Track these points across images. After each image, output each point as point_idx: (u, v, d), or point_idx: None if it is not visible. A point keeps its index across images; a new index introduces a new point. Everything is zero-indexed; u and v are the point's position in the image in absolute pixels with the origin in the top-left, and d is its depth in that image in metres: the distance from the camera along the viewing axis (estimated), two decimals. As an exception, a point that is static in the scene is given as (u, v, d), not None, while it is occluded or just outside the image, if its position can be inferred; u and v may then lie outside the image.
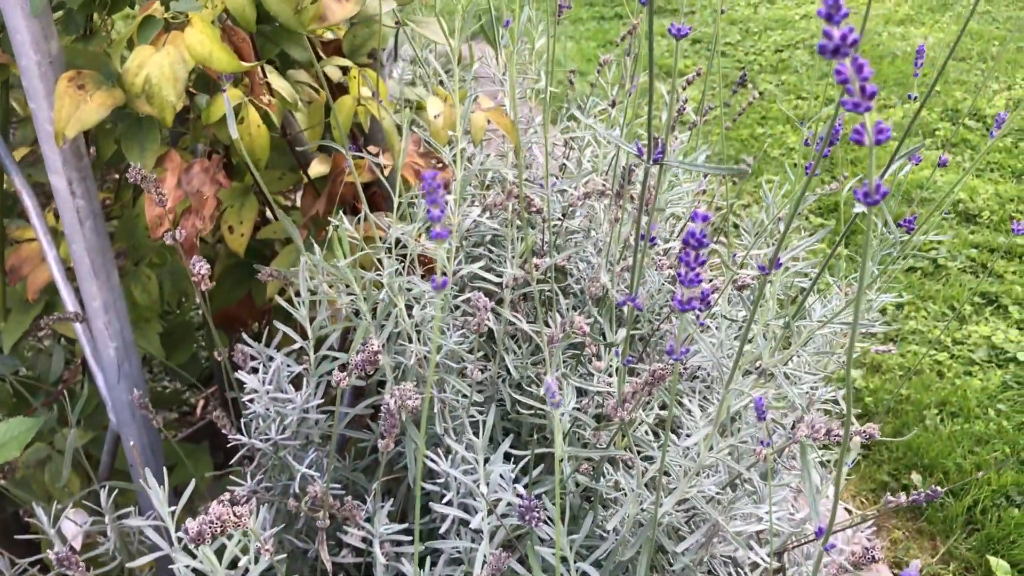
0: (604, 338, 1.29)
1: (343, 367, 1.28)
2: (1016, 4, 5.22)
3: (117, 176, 1.61)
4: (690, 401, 1.02)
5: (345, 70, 1.35)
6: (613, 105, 1.95)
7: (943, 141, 3.71)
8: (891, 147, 3.62)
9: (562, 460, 1.14)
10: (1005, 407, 2.30)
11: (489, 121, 1.31)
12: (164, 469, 1.08)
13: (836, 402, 1.43)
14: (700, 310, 0.73)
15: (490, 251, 1.70)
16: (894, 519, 2.05)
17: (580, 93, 4.00)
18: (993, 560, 1.86)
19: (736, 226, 2.88)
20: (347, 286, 1.25)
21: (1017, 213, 3.14)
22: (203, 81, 1.27)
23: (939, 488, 1.00)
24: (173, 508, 1.00)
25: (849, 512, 2.03)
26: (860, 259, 1.37)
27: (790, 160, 3.70)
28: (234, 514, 0.75)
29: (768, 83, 4.47)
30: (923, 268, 2.92)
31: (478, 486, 1.07)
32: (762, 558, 1.15)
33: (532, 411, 1.33)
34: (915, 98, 1.30)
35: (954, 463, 2.12)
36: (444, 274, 1.28)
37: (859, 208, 1.00)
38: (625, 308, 1.32)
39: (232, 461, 1.21)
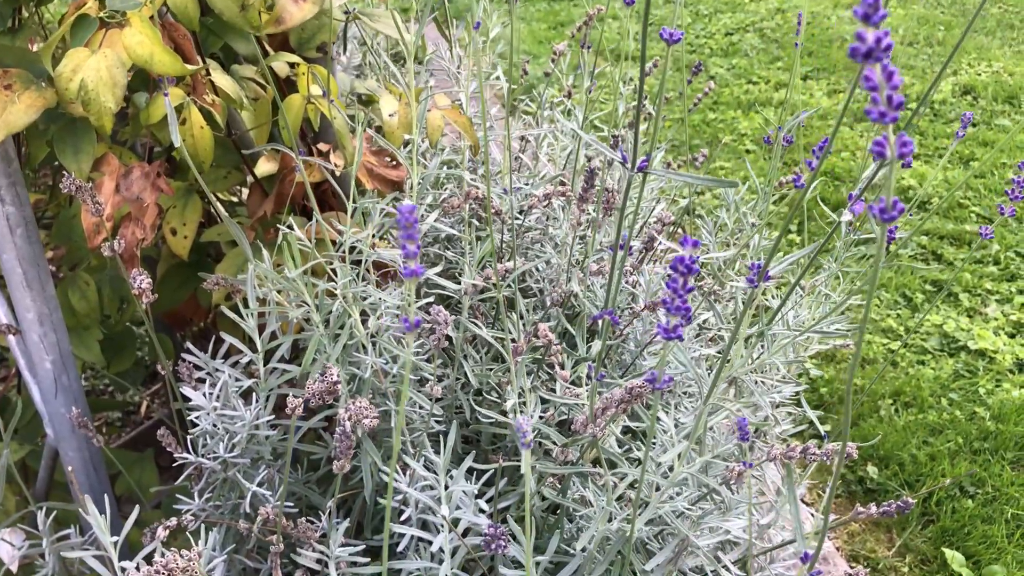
0: (567, 345, 1.25)
1: (293, 382, 1.22)
2: (960, -11, 5.27)
3: (51, 174, 1.53)
4: (665, 412, 0.99)
5: (293, 65, 1.29)
6: (569, 96, 1.90)
7: (894, 128, 3.73)
8: (841, 132, 3.63)
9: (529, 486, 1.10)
10: (957, 396, 2.31)
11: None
12: (106, 494, 1.02)
13: (799, 404, 1.41)
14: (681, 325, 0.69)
15: (447, 248, 1.65)
16: (850, 510, 2.05)
17: (532, 78, 3.94)
18: (949, 552, 1.87)
19: (689, 212, 2.85)
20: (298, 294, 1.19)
21: (965, 200, 3.16)
22: (141, 78, 1.20)
23: (911, 499, 0.98)
24: (116, 539, 0.95)
25: (808, 505, 2.03)
26: (841, 270, 1.34)
27: (741, 146, 3.69)
28: (182, 557, 0.69)
29: (719, 67, 4.46)
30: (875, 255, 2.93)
31: (439, 505, 1.03)
32: (728, 566, 1.12)
33: (492, 420, 1.29)
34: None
35: (908, 454, 2.12)
36: (412, 269, 1.23)
37: (846, 216, 0.97)
38: (592, 320, 1.28)
39: (179, 480, 1.15)
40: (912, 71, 4.20)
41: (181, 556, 0.70)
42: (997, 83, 4.02)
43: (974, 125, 3.74)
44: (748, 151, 3.64)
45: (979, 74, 4.14)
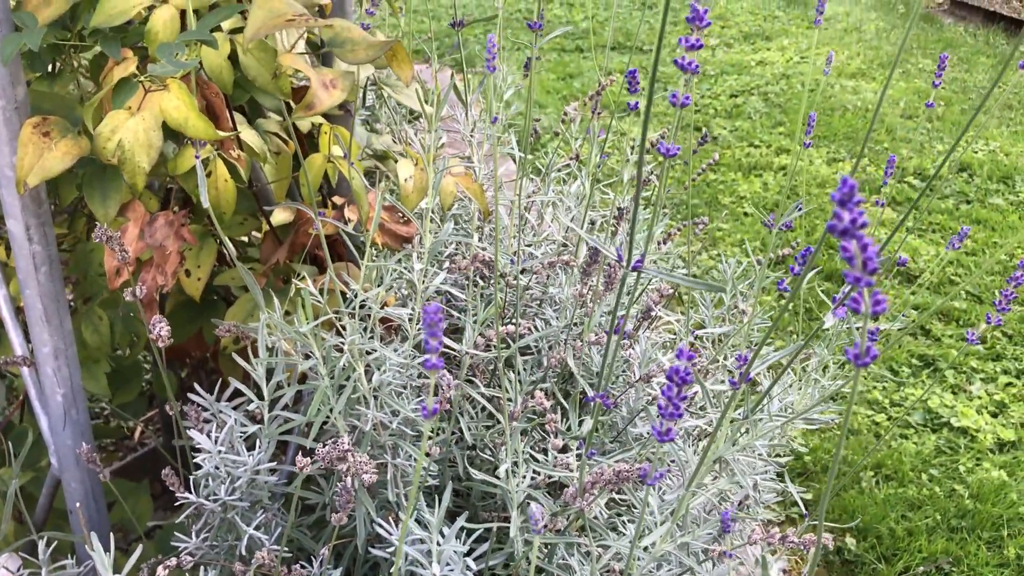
0: (563, 415, 1.30)
1: (292, 430, 1.26)
2: (959, 67, 5.38)
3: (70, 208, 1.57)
4: (648, 494, 1.03)
5: (316, 122, 1.34)
6: (577, 158, 1.96)
7: (888, 198, 3.80)
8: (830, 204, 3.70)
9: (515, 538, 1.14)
10: (938, 472, 2.35)
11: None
12: (105, 527, 1.06)
13: (780, 476, 1.45)
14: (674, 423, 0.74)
15: (448, 304, 1.70)
16: (827, 580, 2.09)
17: (542, 130, 4.00)
18: (921, 629, 1.90)
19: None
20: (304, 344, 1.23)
21: (956, 276, 3.23)
22: (170, 128, 1.25)
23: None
24: (118, 576, 0.98)
25: (785, 574, 2.06)
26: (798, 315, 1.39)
27: (740, 208, 3.76)
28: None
29: (722, 128, 4.54)
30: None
31: (430, 563, 1.06)
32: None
33: (484, 479, 1.32)
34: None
35: (887, 528, 2.16)
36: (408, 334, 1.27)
37: (829, 321, 1.02)
38: (586, 400, 1.32)
39: (180, 518, 1.18)
40: (910, 144, 4.29)
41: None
42: (993, 162, 4.11)
43: (968, 202, 3.81)
44: (746, 214, 3.71)
45: (976, 152, 4.23)
